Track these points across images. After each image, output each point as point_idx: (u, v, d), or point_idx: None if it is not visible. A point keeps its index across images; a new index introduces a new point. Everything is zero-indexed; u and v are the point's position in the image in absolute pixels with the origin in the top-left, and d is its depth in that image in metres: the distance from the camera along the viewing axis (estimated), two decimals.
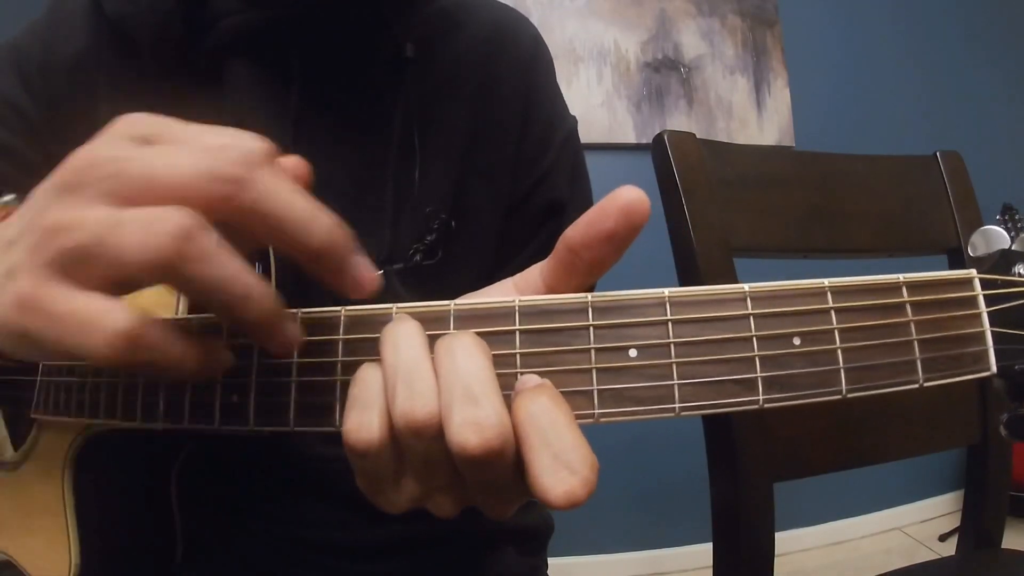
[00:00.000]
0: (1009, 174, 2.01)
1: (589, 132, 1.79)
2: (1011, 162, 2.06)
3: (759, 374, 0.25)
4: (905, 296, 0.26)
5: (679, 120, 1.85)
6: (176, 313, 0.37)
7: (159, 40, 0.45)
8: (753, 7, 1.92)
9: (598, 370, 0.26)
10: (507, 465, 0.24)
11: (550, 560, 0.60)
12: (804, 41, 1.95)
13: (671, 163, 0.62)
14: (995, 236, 0.28)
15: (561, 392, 0.26)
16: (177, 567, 0.44)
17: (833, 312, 0.25)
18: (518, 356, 0.27)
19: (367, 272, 0.28)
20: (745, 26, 1.91)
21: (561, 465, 0.23)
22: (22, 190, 0.49)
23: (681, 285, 0.70)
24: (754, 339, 0.25)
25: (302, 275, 0.47)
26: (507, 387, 0.26)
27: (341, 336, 0.29)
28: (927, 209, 0.74)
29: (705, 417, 0.62)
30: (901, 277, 0.26)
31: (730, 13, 1.91)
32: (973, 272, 0.26)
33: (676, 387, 0.25)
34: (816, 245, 0.68)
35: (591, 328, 0.26)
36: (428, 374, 0.25)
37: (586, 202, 0.56)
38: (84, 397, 0.38)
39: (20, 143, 0.49)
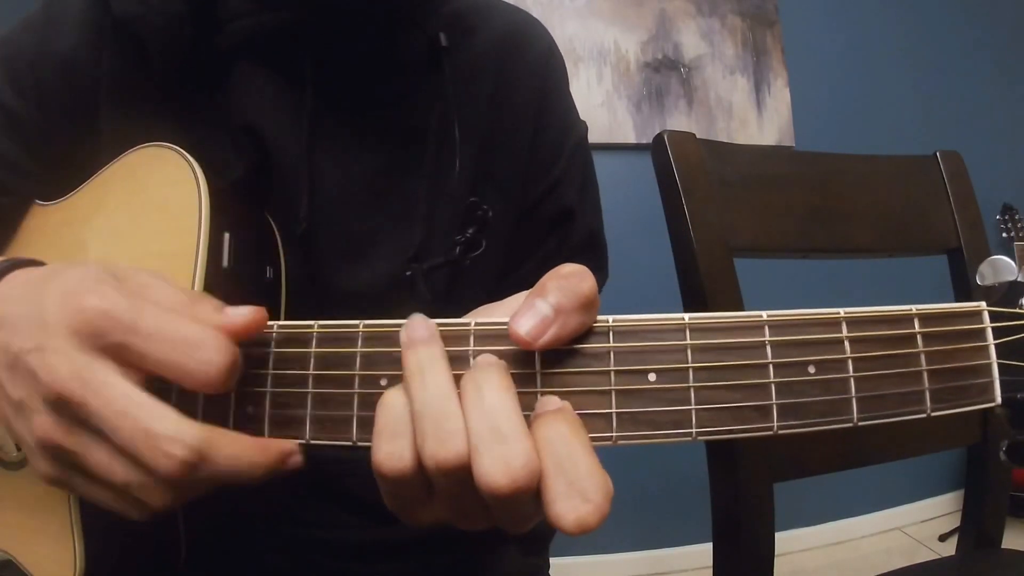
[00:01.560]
0: (1009, 174, 2.01)
1: (589, 132, 1.78)
2: (1011, 162, 2.06)
3: (774, 401, 0.26)
4: (916, 327, 0.26)
5: (679, 120, 1.85)
6: (193, 285, 0.37)
7: (168, 42, 0.44)
8: (753, 7, 1.92)
9: (617, 392, 0.26)
10: (534, 495, 0.24)
11: (551, 560, 0.60)
12: (804, 41, 1.95)
13: (671, 163, 0.62)
14: (1003, 267, 0.29)
15: (579, 414, 0.26)
16: (181, 569, 0.44)
17: (847, 341, 0.26)
18: (539, 376, 0.27)
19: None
20: (745, 26, 1.91)
21: (575, 492, 0.23)
22: (19, 195, 0.49)
23: (681, 285, 0.70)
24: (770, 366, 0.26)
25: (316, 281, 0.46)
26: (527, 407, 0.26)
27: (359, 349, 0.29)
28: (927, 209, 0.74)
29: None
30: (914, 308, 0.27)
31: (730, 13, 1.91)
32: (983, 305, 0.27)
33: (694, 412, 0.26)
34: (816, 245, 0.68)
35: (611, 352, 0.27)
36: (456, 414, 0.25)
37: (594, 209, 0.56)
38: None
39: (13, 147, 0.48)
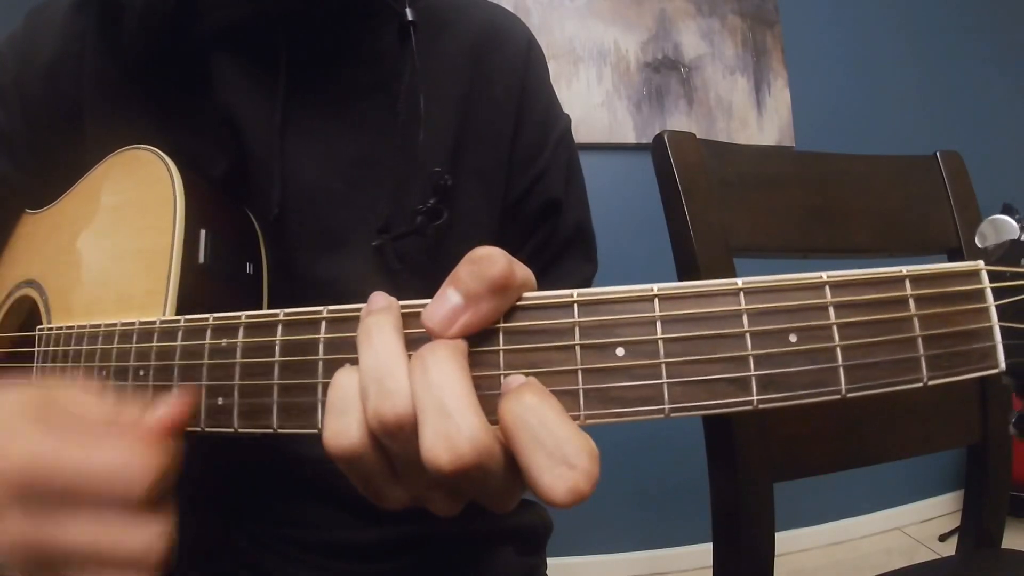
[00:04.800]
0: (1009, 174, 2.01)
1: (589, 132, 1.79)
2: (1011, 162, 2.06)
3: (753, 373, 0.24)
4: (908, 290, 0.24)
5: (679, 120, 1.85)
6: (164, 312, 0.37)
7: (146, 17, 0.44)
8: (753, 7, 1.92)
9: (584, 370, 0.25)
10: (492, 474, 0.23)
11: (550, 560, 0.60)
12: (804, 41, 1.95)
13: (671, 163, 0.62)
14: (1005, 226, 0.27)
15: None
16: (176, 572, 0.44)
17: (832, 307, 0.24)
18: (501, 355, 0.26)
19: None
20: (745, 26, 1.91)
21: (557, 461, 0.22)
22: (9, 210, 0.50)
23: None
24: (747, 336, 0.24)
25: (295, 271, 0.46)
26: (492, 387, 0.26)
27: (323, 335, 0.29)
28: (927, 209, 0.74)
29: (703, 417, 0.62)
30: (904, 270, 0.25)
31: (730, 13, 1.91)
32: (980, 264, 0.25)
33: (665, 387, 0.24)
34: (816, 245, 0.68)
35: (576, 326, 0.25)
36: (400, 374, 0.24)
37: (581, 200, 0.56)
38: None
39: (2, 163, 0.50)
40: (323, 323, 0.29)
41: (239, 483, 0.47)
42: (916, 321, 0.24)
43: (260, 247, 0.45)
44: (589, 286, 0.55)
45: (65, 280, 0.44)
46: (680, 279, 0.64)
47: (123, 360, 0.36)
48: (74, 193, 0.46)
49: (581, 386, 0.25)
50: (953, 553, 0.76)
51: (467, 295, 0.25)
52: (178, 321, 0.33)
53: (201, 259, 0.39)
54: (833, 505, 1.89)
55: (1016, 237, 0.26)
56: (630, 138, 1.81)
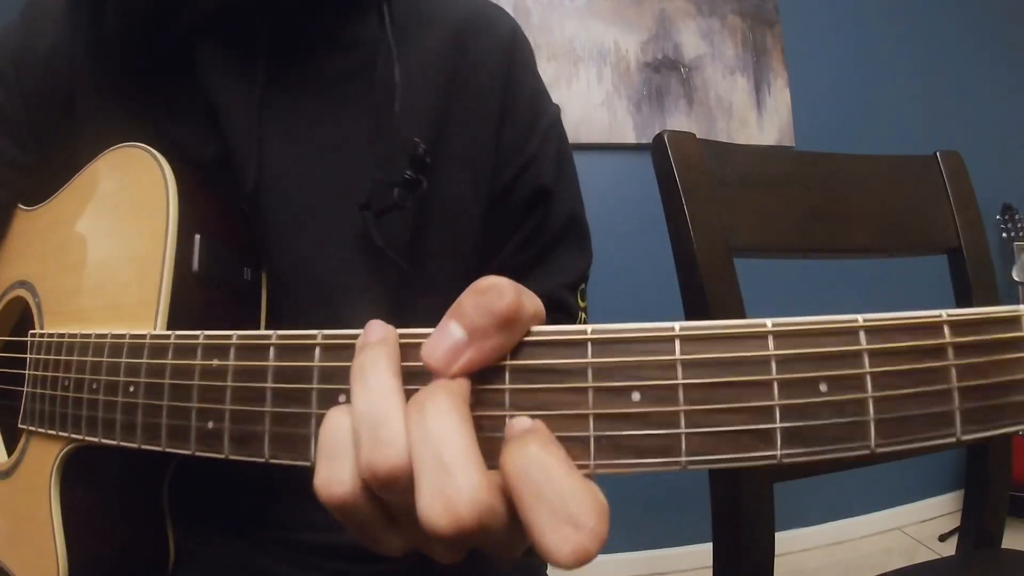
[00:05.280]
0: (1009, 174, 2.01)
1: (589, 132, 1.79)
2: (1011, 162, 2.06)
3: (778, 425, 0.22)
4: (947, 337, 0.22)
5: (679, 120, 1.85)
6: (155, 325, 0.36)
7: (125, 22, 0.44)
8: (753, 7, 1.92)
9: (595, 415, 0.23)
10: (494, 531, 0.22)
11: None
12: (804, 41, 1.95)
13: (671, 163, 0.62)
14: None
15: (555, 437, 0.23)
16: (170, 573, 0.43)
17: (866, 355, 0.22)
18: (507, 394, 0.24)
19: None
20: (745, 26, 1.91)
21: (562, 521, 0.20)
22: (14, 191, 0.50)
23: (681, 285, 0.69)
24: (775, 384, 0.22)
25: (271, 255, 0.46)
26: (496, 429, 0.24)
27: (316, 363, 0.27)
28: (927, 209, 0.74)
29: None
30: (944, 314, 0.22)
31: (730, 13, 1.91)
32: (1021, 309, 0.23)
33: (683, 437, 0.22)
34: (816, 245, 0.68)
35: (589, 367, 0.23)
36: (396, 422, 0.22)
37: (573, 191, 0.56)
38: (67, 411, 0.37)
39: (5, 141, 0.50)
40: (317, 349, 0.27)
41: (235, 486, 0.47)
42: (953, 371, 0.22)
43: (259, 251, 0.44)
44: (584, 279, 0.55)
45: (57, 283, 0.44)
46: (680, 279, 0.64)
47: (113, 375, 0.35)
48: (68, 191, 0.46)
49: (592, 432, 0.23)
50: (953, 553, 0.76)
51: (471, 330, 0.23)
52: (168, 337, 0.32)
53: (195, 267, 0.38)
54: (833, 505, 1.89)
55: None
56: (630, 138, 1.81)
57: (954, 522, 1.56)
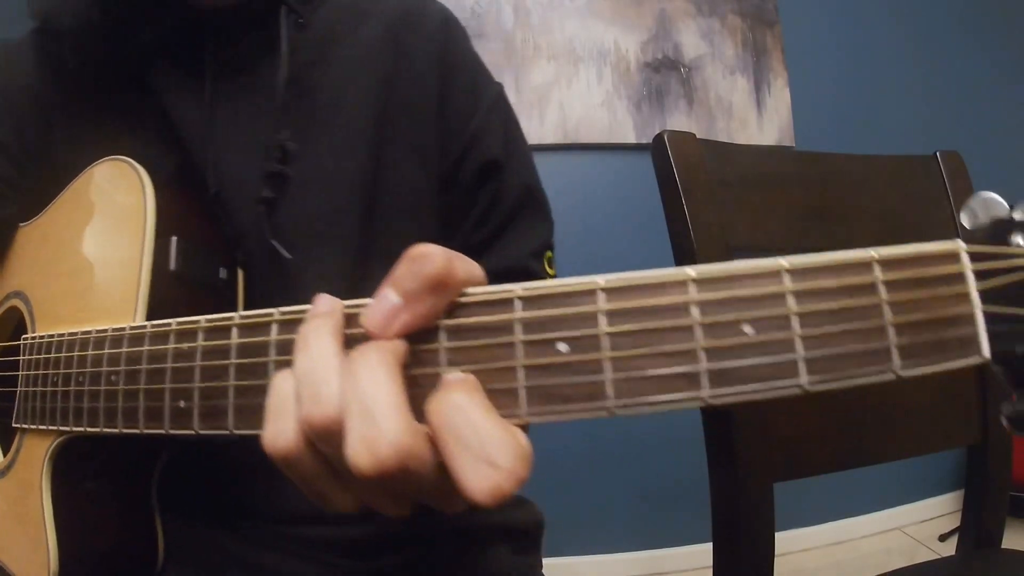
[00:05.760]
0: (1009, 174, 2.01)
1: (589, 132, 1.79)
2: (1011, 162, 2.06)
3: (703, 367, 0.22)
4: (878, 275, 0.22)
5: (679, 120, 1.85)
6: (135, 318, 0.38)
7: (82, 41, 0.48)
8: (753, 7, 1.92)
9: (525, 367, 0.24)
10: (421, 475, 0.23)
11: (550, 560, 0.60)
12: (804, 41, 1.95)
13: (671, 163, 0.62)
14: (993, 204, 0.24)
15: (488, 390, 0.24)
16: (160, 570, 0.44)
17: (790, 295, 0.22)
18: (442, 353, 0.25)
19: None
20: (745, 26, 1.91)
21: (480, 460, 0.22)
22: (14, 210, 0.52)
23: None
24: (697, 328, 0.23)
25: (262, 285, 0.48)
26: (434, 385, 0.25)
27: (273, 338, 0.29)
28: (927, 209, 0.74)
29: (705, 414, 0.62)
30: (874, 252, 0.23)
31: (730, 13, 1.91)
32: (959, 244, 0.23)
33: (610, 383, 0.23)
34: (816, 245, 0.68)
35: (516, 322, 0.24)
36: (332, 379, 0.24)
37: (524, 163, 0.57)
38: (56, 405, 0.39)
39: (4, 164, 0.52)
40: (274, 326, 0.29)
41: (225, 480, 0.47)
42: (886, 308, 0.22)
43: (236, 253, 0.47)
44: (549, 247, 0.56)
45: (48, 291, 0.46)
46: None
47: (97, 366, 0.37)
48: (56, 205, 0.49)
49: (522, 383, 0.24)
50: (953, 553, 0.76)
51: (405, 294, 0.25)
52: (145, 327, 0.34)
53: (172, 266, 0.40)
54: (833, 505, 1.89)
55: (1005, 215, 0.24)
56: (630, 138, 1.81)
57: (954, 522, 1.56)
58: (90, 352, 0.37)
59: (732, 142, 1.57)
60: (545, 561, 0.60)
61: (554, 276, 0.56)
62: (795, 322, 0.22)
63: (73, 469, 0.41)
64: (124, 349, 0.35)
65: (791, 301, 0.22)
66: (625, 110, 1.82)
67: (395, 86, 0.52)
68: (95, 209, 0.45)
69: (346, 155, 0.50)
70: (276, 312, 0.29)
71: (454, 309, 0.26)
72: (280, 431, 0.25)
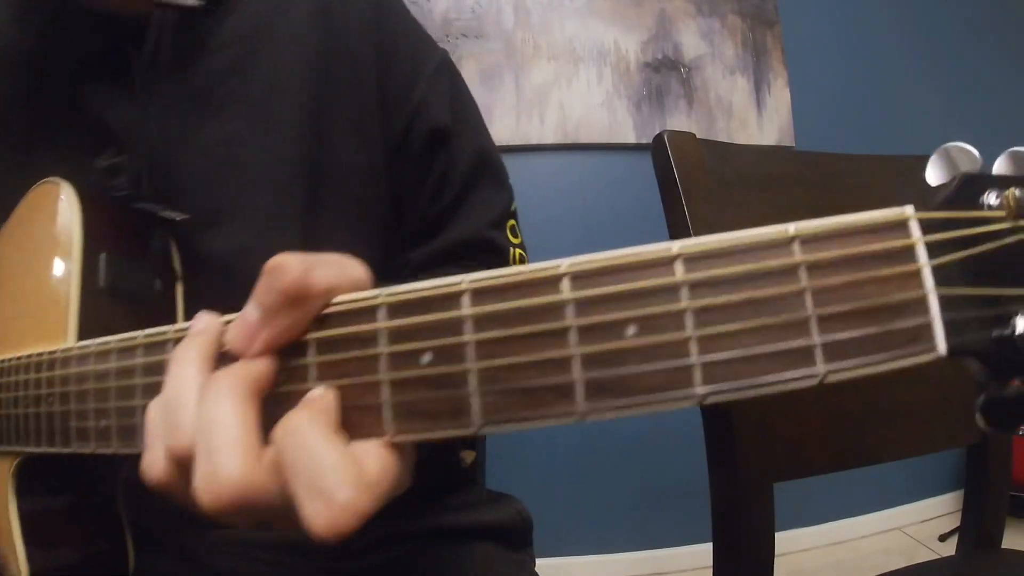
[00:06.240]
0: None
1: (589, 132, 1.79)
2: None
3: (579, 377, 0.19)
4: (798, 255, 0.19)
5: (679, 120, 1.84)
6: (68, 308, 0.39)
7: (9, 74, 0.48)
8: (753, 7, 1.92)
9: (389, 382, 0.22)
10: (267, 507, 0.22)
11: (549, 560, 0.60)
12: (804, 41, 1.95)
13: (671, 163, 0.62)
14: (963, 156, 0.19)
15: (354, 407, 0.22)
16: (130, 572, 0.44)
17: (685, 287, 0.19)
18: (313, 368, 0.23)
19: None
20: (745, 26, 1.91)
21: (316, 494, 0.20)
22: None
23: None
24: (571, 331, 0.19)
25: (202, 289, 0.48)
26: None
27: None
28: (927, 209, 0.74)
29: (705, 413, 0.62)
30: (792, 228, 0.19)
31: (730, 13, 1.91)
32: (907, 211, 0.18)
33: (476, 398, 0.20)
34: None
35: (380, 332, 0.22)
36: (190, 407, 0.24)
37: (476, 129, 0.56)
38: (9, 427, 0.41)
39: None
40: (171, 344, 0.28)
41: None
42: (809, 297, 0.18)
43: (172, 263, 0.47)
44: (509, 215, 0.55)
45: None
46: None
47: (37, 389, 0.38)
48: (4, 230, 0.50)
49: (387, 399, 0.22)
50: (953, 553, 0.76)
51: (264, 310, 0.24)
52: (71, 350, 0.35)
53: (101, 283, 0.41)
54: (833, 505, 1.89)
55: (976, 170, 0.19)
56: (630, 138, 1.81)
57: (954, 522, 1.56)
58: (31, 376, 0.38)
59: (732, 142, 1.57)
60: (544, 561, 0.60)
61: (519, 244, 0.55)
62: (689, 320, 0.18)
63: (37, 485, 0.42)
64: (56, 372, 0.36)
65: (685, 294, 0.19)
66: (625, 110, 1.82)
67: (329, 66, 0.51)
68: (33, 234, 0.45)
69: (286, 139, 0.49)
70: (171, 330, 0.29)
71: (325, 319, 0.24)
72: (152, 459, 0.25)
